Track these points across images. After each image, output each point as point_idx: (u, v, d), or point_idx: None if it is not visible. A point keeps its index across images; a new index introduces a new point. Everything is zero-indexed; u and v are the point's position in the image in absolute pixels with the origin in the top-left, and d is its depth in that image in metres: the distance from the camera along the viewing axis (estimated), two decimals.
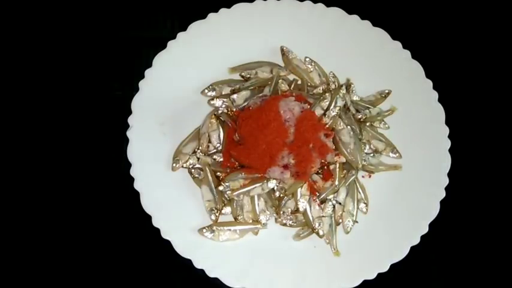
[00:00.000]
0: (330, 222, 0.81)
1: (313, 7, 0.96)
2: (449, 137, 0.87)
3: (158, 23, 1.03)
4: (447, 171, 0.84)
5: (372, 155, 0.88)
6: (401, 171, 0.87)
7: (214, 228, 0.79)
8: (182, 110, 0.88)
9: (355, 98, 0.91)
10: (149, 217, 0.78)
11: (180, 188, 0.82)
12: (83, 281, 0.80)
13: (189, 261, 0.76)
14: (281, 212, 0.81)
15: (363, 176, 0.87)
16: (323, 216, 0.82)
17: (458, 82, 0.99)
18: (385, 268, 0.78)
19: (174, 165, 0.83)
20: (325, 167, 0.84)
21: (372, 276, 0.77)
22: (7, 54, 0.96)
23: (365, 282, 0.77)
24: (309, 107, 0.84)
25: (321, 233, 0.80)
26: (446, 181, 0.84)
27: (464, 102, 0.97)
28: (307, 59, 0.93)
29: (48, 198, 0.85)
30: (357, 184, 0.85)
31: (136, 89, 0.87)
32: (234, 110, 0.87)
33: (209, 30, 0.93)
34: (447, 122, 0.88)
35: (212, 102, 0.87)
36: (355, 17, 0.96)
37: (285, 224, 0.82)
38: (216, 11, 0.94)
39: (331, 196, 0.83)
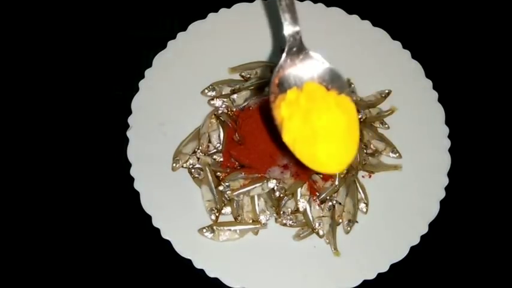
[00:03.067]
0: (330, 222, 0.81)
1: (313, 7, 0.96)
2: (449, 137, 0.87)
3: (158, 23, 1.03)
4: (447, 171, 0.84)
5: (372, 154, 0.88)
6: (401, 171, 0.87)
7: (214, 228, 0.79)
8: (182, 110, 0.88)
9: (355, 98, 0.91)
10: (149, 217, 0.78)
11: (180, 188, 0.82)
12: (83, 281, 0.80)
13: (189, 261, 0.76)
14: (281, 212, 0.81)
15: (363, 176, 0.87)
16: (323, 216, 0.81)
17: (458, 82, 0.99)
18: (385, 268, 0.78)
19: (174, 165, 0.83)
20: None
21: (372, 276, 0.77)
22: (7, 54, 0.95)
23: (365, 282, 0.77)
24: None
25: (321, 233, 0.80)
26: (446, 181, 0.84)
27: (464, 102, 0.97)
28: None
29: (48, 198, 0.85)
30: (357, 184, 0.85)
31: (136, 89, 0.87)
32: (234, 110, 0.87)
33: (209, 30, 0.93)
34: (447, 122, 0.88)
35: (212, 102, 0.88)
36: (355, 17, 0.96)
37: (285, 224, 0.81)
38: (216, 11, 0.94)
39: (331, 196, 0.83)
